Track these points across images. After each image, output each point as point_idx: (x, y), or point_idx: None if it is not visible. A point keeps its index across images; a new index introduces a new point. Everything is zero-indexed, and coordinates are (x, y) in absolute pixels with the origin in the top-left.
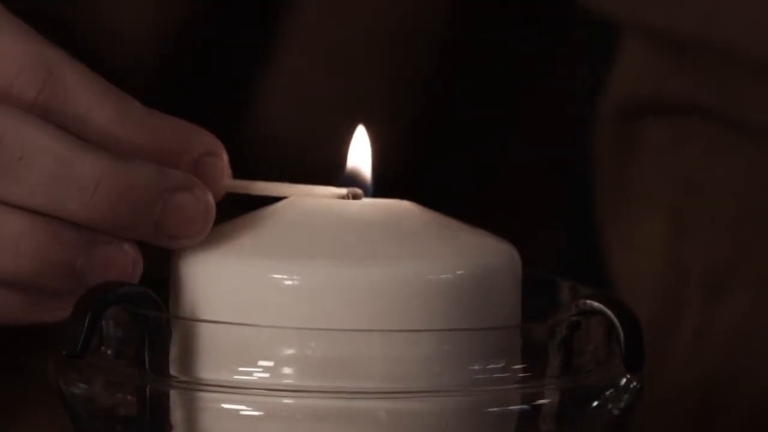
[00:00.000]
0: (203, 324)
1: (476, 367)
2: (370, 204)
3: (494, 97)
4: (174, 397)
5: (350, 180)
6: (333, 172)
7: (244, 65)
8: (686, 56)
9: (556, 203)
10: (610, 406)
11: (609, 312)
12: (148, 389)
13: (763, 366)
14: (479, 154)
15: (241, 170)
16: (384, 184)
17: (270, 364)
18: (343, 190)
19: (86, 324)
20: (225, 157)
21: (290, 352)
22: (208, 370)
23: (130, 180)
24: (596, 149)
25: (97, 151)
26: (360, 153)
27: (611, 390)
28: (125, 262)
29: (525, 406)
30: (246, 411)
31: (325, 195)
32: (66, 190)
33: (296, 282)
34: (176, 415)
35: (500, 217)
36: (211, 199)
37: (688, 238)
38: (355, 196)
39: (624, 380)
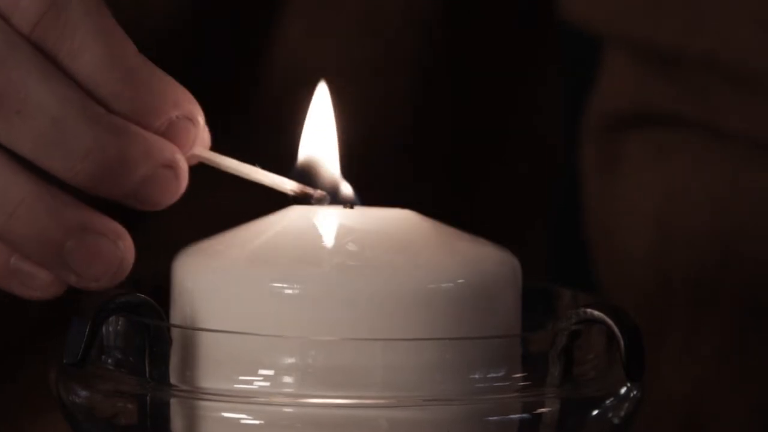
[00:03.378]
0: (203, 333)
1: (477, 376)
2: (370, 213)
3: (476, 116)
4: (174, 405)
5: (304, 176)
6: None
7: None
8: (667, 68)
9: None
10: (610, 414)
11: (609, 321)
12: (148, 398)
13: (749, 375)
14: (463, 168)
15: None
16: (370, 191)
17: (270, 372)
18: (296, 186)
19: (87, 333)
20: (201, 125)
21: (291, 360)
22: (208, 379)
23: (119, 155)
24: (582, 162)
25: (94, 118)
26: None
27: (611, 399)
28: (113, 257)
29: (525, 415)
30: (246, 420)
31: (282, 187)
32: (54, 151)
33: (297, 291)
34: (176, 424)
35: (486, 222)
36: (186, 172)
37: (672, 249)
38: (309, 196)
39: (624, 389)
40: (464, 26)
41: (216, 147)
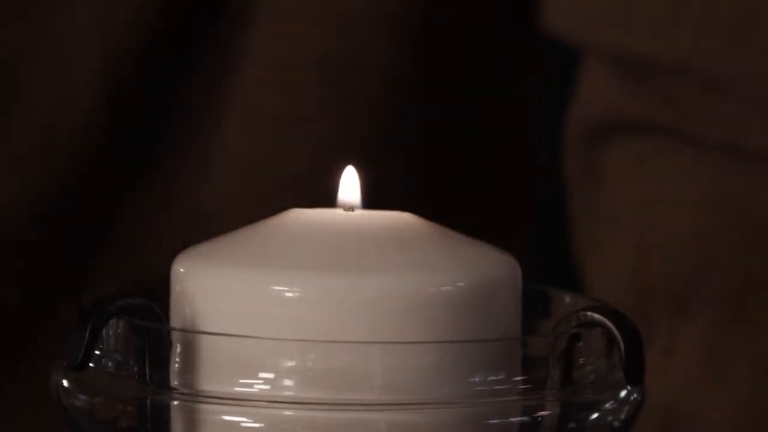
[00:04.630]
0: (204, 336)
1: (477, 379)
2: (370, 216)
3: (445, 121)
4: (175, 409)
5: None
6: (281, 192)
7: (194, 92)
8: (642, 77)
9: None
10: (610, 418)
11: (609, 324)
12: (148, 401)
13: (728, 381)
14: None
15: (194, 187)
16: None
17: (270, 375)
18: None
19: (87, 336)
20: None
21: (291, 363)
22: (208, 382)
23: None
24: (565, 173)
25: None
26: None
27: (612, 402)
28: None
29: (525, 418)
30: (247, 423)
31: None
32: None
33: (297, 294)
34: (177, 427)
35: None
36: None
37: (653, 258)
38: None
39: (624, 392)
40: (438, 27)
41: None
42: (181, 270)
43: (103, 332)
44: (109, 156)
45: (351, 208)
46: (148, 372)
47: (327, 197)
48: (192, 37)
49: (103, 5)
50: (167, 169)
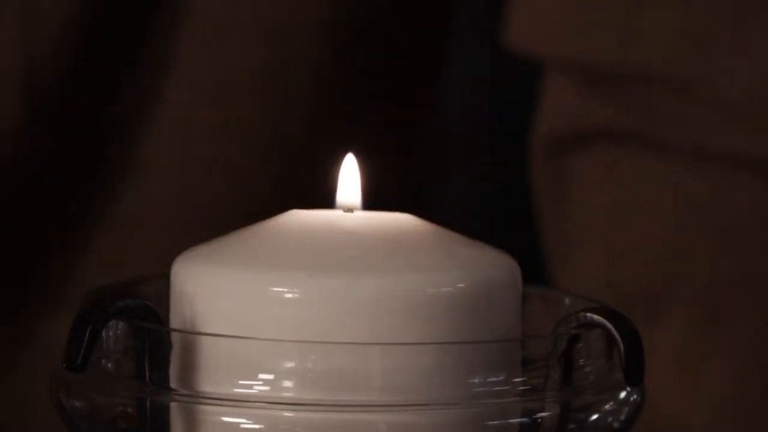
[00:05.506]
0: (203, 337)
1: (476, 380)
2: (369, 217)
3: (381, 125)
4: (174, 410)
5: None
6: (217, 207)
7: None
8: (605, 85)
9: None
10: (610, 419)
11: (609, 325)
12: (148, 402)
13: (704, 382)
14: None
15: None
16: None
17: (270, 377)
18: None
19: (86, 337)
20: None
21: (290, 365)
22: (208, 383)
23: None
24: (533, 185)
25: None
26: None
27: (611, 403)
28: None
29: (525, 419)
30: (246, 424)
31: None
32: None
33: (296, 295)
34: (176, 428)
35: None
36: None
37: (624, 263)
38: None
39: (624, 393)
40: (367, 32)
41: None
42: (181, 271)
43: (103, 333)
44: (38, 167)
45: (350, 209)
46: (147, 373)
47: (266, 204)
48: (120, 53)
49: (28, 21)
50: (99, 179)
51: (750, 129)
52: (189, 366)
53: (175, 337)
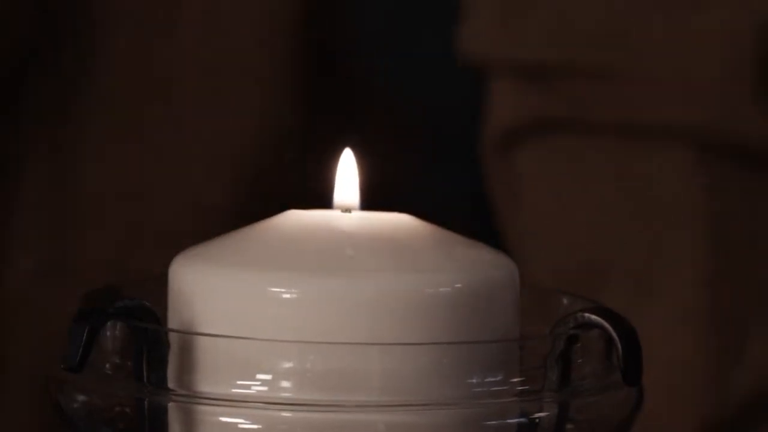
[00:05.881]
0: (201, 337)
1: (474, 380)
2: (368, 217)
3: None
4: (172, 410)
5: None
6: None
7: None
8: (536, 80)
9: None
10: (608, 419)
11: (607, 325)
12: (146, 402)
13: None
14: None
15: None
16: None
17: (268, 377)
18: None
19: (84, 338)
20: None
21: (288, 365)
22: (206, 384)
23: None
24: (488, 190)
25: None
26: None
27: (609, 403)
28: None
29: (523, 419)
30: (244, 424)
31: None
32: None
33: (294, 295)
34: (175, 429)
35: None
36: None
37: (568, 250)
38: None
39: (622, 393)
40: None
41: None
42: (179, 270)
43: (101, 333)
44: None
45: (348, 209)
46: (145, 373)
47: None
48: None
49: None
50: (33, 175)
51: (682, 101)
52: (187, 366)
53: (173, 338)
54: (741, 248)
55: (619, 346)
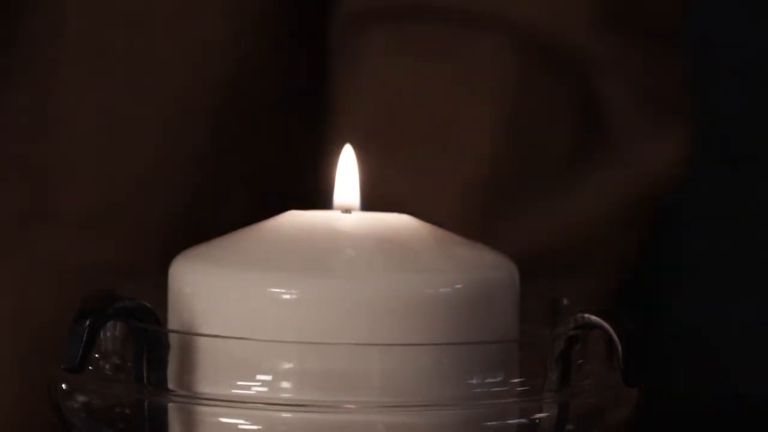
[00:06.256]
0: (201, 338)
1: (474, 381)
2: (368, 218)
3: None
4: (172, 411)
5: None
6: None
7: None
8: None
9: None
10: (608, 420)
11: (607, 326)
12: (146, 403)
13: None
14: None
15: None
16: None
17: (268, 378)
18: None
19: (84, 338)
20: None
21: (289, 365)
22: (206, 384)
23: None
24: (330, 60)
25: None
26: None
27: (609, 404)
28: None
29: (523, 420)
30: (244, 425)
31: None
32: None
33: (295, 296)
34: (174, 429)
35: None
36: None
37: (394, 113)
38: None
39: (622, 394)
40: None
41: None
42: (179, 271)
43: (101, 334)
44: None
45: (348, 210)
46: (145, 374)
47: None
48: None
49: None
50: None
51: None
52: (187, 367)
53: (173, 338)
54: (531, 138)
55: (619, 346)
